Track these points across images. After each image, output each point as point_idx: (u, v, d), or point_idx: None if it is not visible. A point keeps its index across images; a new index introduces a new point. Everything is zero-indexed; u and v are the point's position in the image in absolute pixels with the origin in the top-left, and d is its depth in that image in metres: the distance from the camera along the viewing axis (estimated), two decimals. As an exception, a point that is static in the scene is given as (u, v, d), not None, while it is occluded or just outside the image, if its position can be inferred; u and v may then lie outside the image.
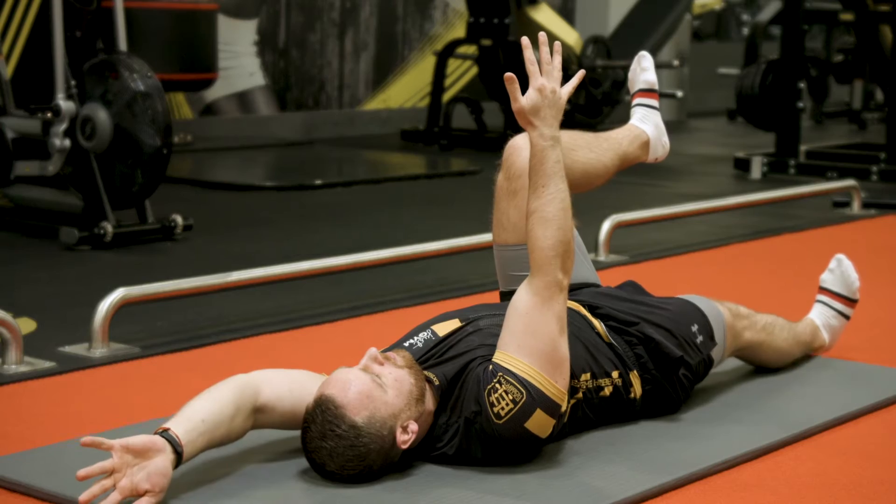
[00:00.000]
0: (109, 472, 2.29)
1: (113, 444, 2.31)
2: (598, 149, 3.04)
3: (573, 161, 2.90)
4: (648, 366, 2.80)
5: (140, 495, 2.29)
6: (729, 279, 4.81)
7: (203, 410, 2.42)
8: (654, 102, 3.28)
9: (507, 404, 2.45)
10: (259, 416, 2.51)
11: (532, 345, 2.47)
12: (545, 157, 2.51)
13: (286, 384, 2.54)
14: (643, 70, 3.30)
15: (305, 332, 3.86)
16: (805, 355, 3.39)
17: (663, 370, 2.82)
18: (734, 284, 4.69)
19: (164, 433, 2.34)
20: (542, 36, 2.53)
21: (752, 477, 2.61)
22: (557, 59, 2.55)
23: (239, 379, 2.52)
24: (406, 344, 2.67)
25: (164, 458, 2.31)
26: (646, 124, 3.22)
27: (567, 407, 2.64)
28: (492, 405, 2.46)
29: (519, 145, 2.87)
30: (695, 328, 2.90)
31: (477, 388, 2.49)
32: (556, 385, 2.48)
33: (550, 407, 2.48)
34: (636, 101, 3.28)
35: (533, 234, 2.50)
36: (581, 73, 2.64)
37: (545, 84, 2.53)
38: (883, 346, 3.75)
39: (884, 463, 2.72)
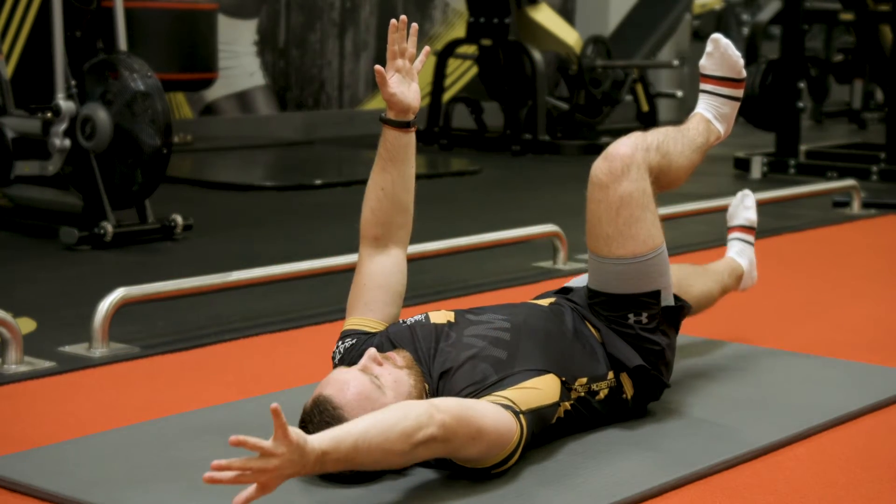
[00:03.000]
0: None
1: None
2: (704, 276, 3.35)
3: (689, 286, 3.20)
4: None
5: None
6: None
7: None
8: (752, 238, 3.63)
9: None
10: (382, 242, 2.79)
11: (464, 462, 2.45)
12: (328, 469, 2.25)
13: (400, 276, 2.80)
14: (746, 208, 3.64)
15: (305, 332, 3.86)
16: (705, 153, 3.09)
17: (635, 376, 2.83)
18: (734, 284, 4.69)
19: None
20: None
21: (752, 477, 2.61)
22: None
23: (409, 216, 2.87)
24: (400, 320, 2.74)
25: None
26: (742, 258, 3.57)
27: (563, 404, 2.65)
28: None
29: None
30: (631, 319, 2.82)
31: None
32: (501, 454, 2.45)
33: (505, 461, 2.47)
34: (735, 234, 3.63)
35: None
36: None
37: (265, 465, 2.12)
38: (883, 346, 3.75)
39: (884, 463, 2.72)
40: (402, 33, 2.75)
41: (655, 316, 2.83)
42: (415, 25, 2.77)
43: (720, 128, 3.13)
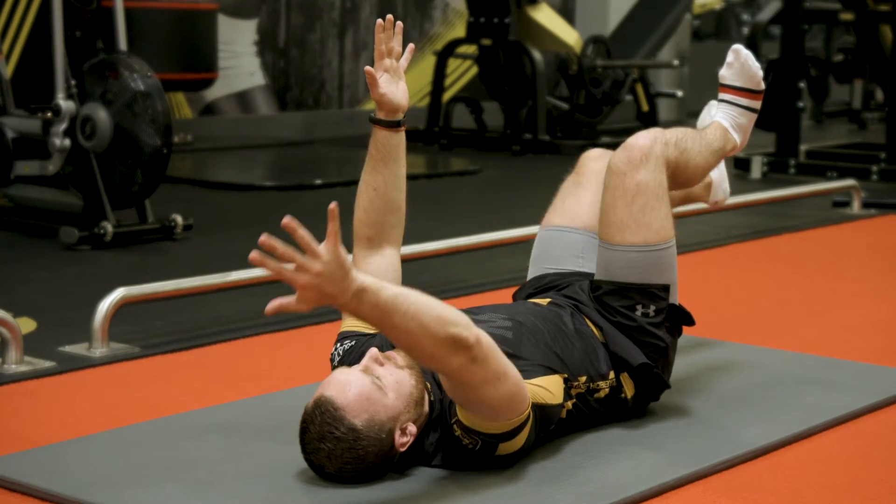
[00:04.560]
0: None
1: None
2: None
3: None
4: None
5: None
6: (729, 279, 4.81)
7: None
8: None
9: (470, 443, 2.47)
10: (377, 246, 2.77)
11: (477, 410, 2.44)
12: (362, 313, 2.22)
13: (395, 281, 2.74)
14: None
15: (305, 332, 3.86)
16: (720, 161, 3.16)
17: (638, 375, 2.82)
18: (734, 284, 4.70)
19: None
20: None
21: (752, 477, 2.61)
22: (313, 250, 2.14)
23: (401, 209, 2.81)
24: None
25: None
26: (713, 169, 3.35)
27: (567, 404, 2.65)
28: (458, 439, 2.48)
29: (593, 156, 3.13)
30: (639, 311, 2.83)
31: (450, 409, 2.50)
32: (511, 420, 2.46)
33: (513, 433, 2.48)
34: None
35: (412, 357, 2.41)
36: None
37: (297, 278, 2.14)
38: (883, 346, 3.75)
39: (884, 463, 2.72)
40: (388, 33, 2.74)
41: (663, 310, 2.83)
42: (400, 24, 2.76)
43: (737, 137, 3.15)
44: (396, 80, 2.75)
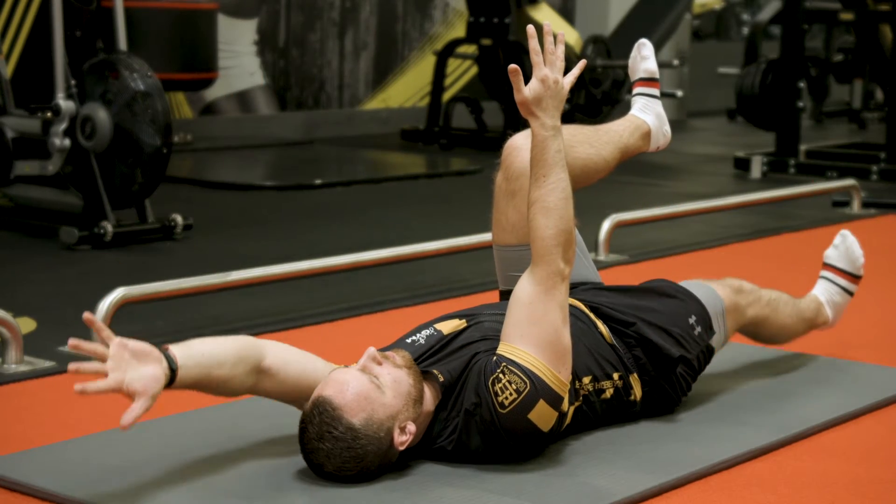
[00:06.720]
0: (102, 360, 2.34)
1: (111, 335, 2.37)
2: (597, 143, 3.00)
3: (573, 158, 2.85)
4: (647, 367, 2.80)
5: (129, 396, 2.32)
6: (729, 279, 4.81)
7: (205, 346, 2.48)
8: (655, 91, 3.23)
9: (511, 394, 2.45)
10: (262, 377, 2.53)
11: (535, 334, 2.47)
12: (546, 147, 2.52)
13: (294, 353, 2.60)
14: (643, 59, 3.25)
15: (305, 332, 3.86)
16: (808, 331, 3.37)
17: (662, 371, 2.81)
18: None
19: (163, 350, 2.40)
20: (546, 26, 2.56)
21: (752, 477, 2.61)
22: (560, 49, 2.55)
23: (247, 337, 2.56)
24: (408, 340, 2.65)
25: (159, 368, 2.37)
26: (646, 114, 3.18)
27: (570, 409, 2.63)
28: (496, 395, 2.46)
29: (518, 145, 2.84)
30: (692, 320, 2.90)
31: (477, 380, 2.49)
32: (558, 376, 2.48)
33: (553, 398, 2.48)
34: (636, 90, 3.24)
35: (534, 223, 2.50)
36: (582, 63, 2.62)
37: (548, 74, 2.53)
38: (883, 346, 3.75)
39: (884, 463, 2.72)
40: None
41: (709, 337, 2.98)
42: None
43: (829, 313, 3.42)
44: (137, 363, 2.38)
